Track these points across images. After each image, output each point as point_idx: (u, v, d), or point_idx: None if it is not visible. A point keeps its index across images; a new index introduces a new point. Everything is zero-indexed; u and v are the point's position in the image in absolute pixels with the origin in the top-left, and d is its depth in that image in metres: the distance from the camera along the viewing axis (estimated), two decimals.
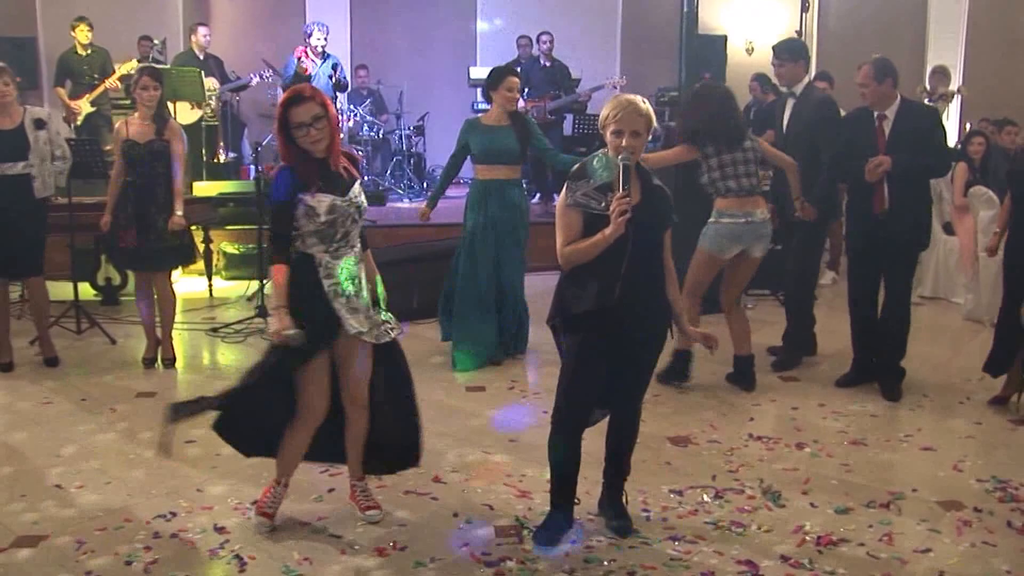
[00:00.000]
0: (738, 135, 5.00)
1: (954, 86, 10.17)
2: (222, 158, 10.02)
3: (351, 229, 3.33)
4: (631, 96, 3.22)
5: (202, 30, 9.54)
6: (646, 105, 3.19)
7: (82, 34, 8.93)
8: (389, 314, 3.48)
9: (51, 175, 5.44)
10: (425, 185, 10.87)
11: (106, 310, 6.95)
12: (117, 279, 7.37)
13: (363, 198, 3.40)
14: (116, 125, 5.65)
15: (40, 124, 5.38)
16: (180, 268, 6.67)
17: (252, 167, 8.32)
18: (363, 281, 3.40)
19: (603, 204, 3.12)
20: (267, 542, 3.36)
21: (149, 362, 5.62)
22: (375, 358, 3.42)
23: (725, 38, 10.16)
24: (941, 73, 10.04)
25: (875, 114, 4.93)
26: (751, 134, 5.15)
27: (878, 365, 5.14)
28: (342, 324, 3.26)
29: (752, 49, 11.53)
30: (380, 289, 3.52)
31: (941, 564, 3.20)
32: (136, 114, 5.48)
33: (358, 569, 3.18)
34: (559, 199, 3.27)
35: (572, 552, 3.28)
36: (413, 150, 10.87)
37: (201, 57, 9.49)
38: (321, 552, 3.29)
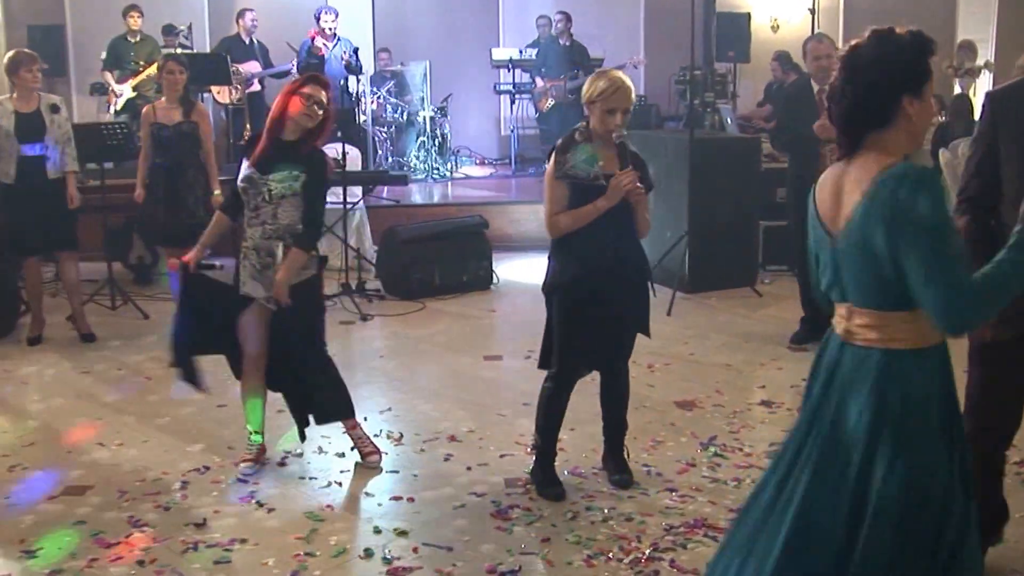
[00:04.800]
0: None
1: (981, 60, 10.06)
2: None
3: (261, 206, 3.60)
4: (620, 73, 3.42)
5: (249, 15, 9.68)
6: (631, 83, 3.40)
7: (133, 21, 9.20)
8: None
9: (64, 156, 5.67)
10: (449, 166, 11.08)
11: (138, 288, 7.23)
12: (149, 258, 7.65)
13: (282, 187, 3.54)
14: (144, 110, 5.93)
15: (55, 109, 5.63)
16: None
17: None
18: (277, 262, 3.59)
19: (591, 174, 3.32)
20: (293, 492, 3.63)
21: None
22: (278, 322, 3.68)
23: (749, 15, 10.12)
24: (967, 48, 9.91)
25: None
26: None
27: None
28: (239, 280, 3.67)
29: (777, 26, 11.44)
30: None
31: None
32: (163, 98, 5.76)
33: (374, 514, 3.43)
34: (548, 170, 3.42)
35: (574, 500, 3.50)
36: (437, 131, 11.08)
37: (247, 41, 9.66)
38: (341, 501, 3.56)
